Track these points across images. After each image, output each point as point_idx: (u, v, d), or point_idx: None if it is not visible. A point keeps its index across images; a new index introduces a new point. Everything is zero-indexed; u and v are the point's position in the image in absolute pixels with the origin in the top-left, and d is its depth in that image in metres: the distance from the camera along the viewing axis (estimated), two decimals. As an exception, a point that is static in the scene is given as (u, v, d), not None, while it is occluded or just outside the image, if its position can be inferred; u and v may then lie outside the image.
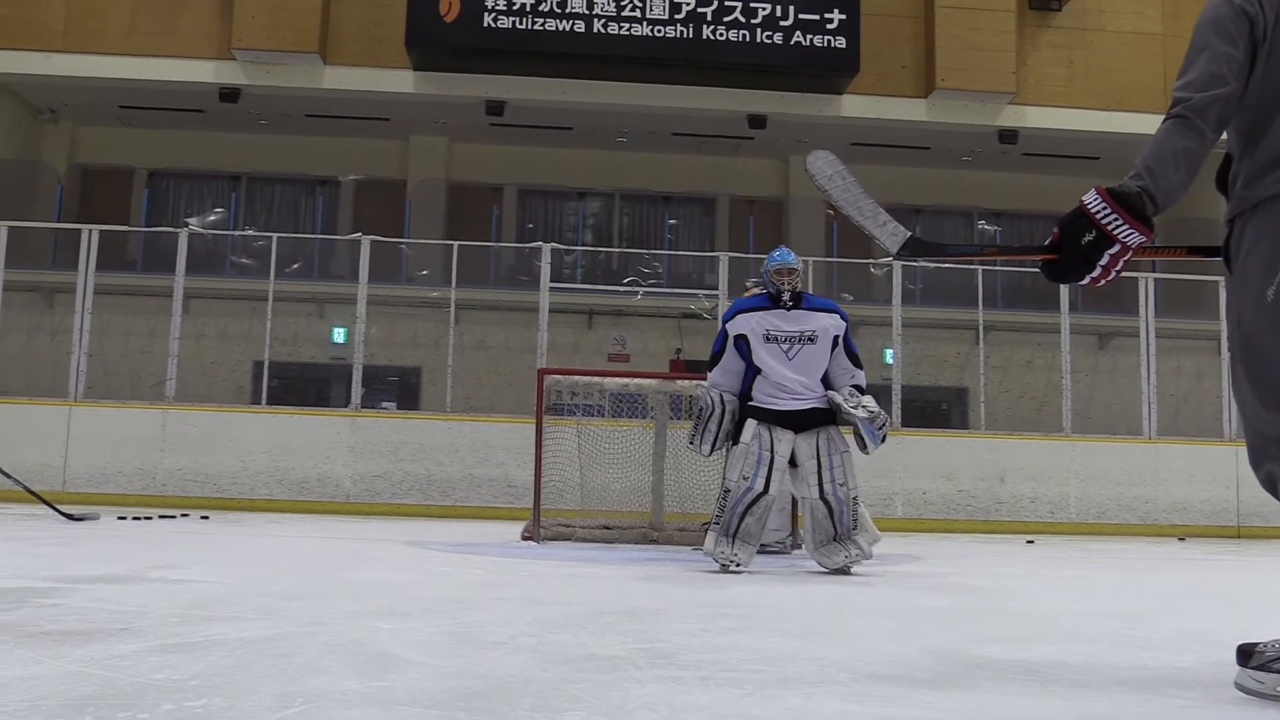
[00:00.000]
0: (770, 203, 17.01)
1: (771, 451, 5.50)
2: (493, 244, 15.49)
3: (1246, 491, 11.69)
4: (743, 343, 5.75)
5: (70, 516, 8.34)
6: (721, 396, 5.71)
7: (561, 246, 14.28)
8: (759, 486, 5.46)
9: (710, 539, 5.51)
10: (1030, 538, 10.34)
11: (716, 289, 12.37)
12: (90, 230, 12.07)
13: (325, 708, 2.03)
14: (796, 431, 5.58)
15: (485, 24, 14.22)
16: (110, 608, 3.39)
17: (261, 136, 16.44)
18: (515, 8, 14.24)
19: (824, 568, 5.59)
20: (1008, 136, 15.43)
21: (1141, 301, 12.59)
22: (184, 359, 11.92)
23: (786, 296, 5.77)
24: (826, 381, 5.76)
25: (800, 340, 5.71)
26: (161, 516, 9.14)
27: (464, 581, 4.76)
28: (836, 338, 5.77)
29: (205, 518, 9.36)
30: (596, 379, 8.45)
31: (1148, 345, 12.46)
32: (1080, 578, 6.39)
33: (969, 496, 11.42)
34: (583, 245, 16.76)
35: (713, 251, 14.80)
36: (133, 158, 16.51)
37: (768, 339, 5.70)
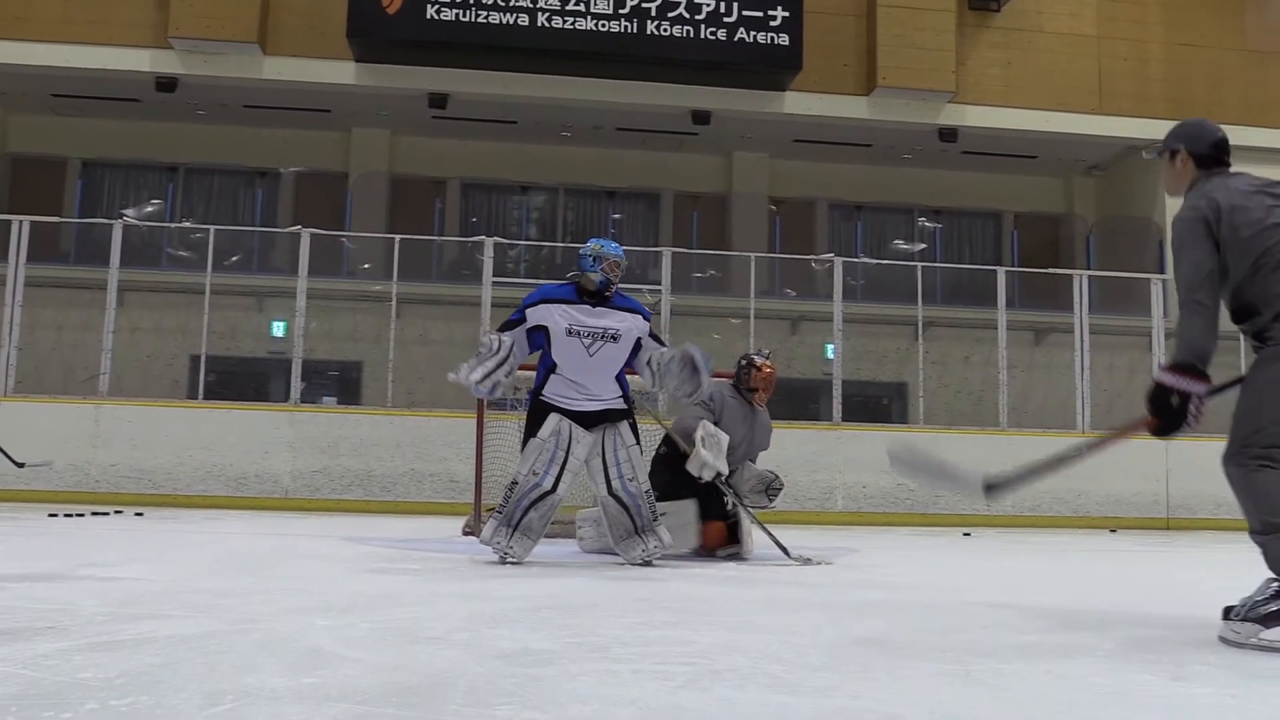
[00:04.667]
0: (714, 198, 17.04)
1: (567, 452, 5.43)
2: (435, 238, 15.32)
3: (1175, 485, 12.00)
4: (541, 335, 5.53)
5: (21, 464, 8.23)
6: (513, 347, 5.45)
7: (505, 241, 14.16)
8: (547, 485, 5.41)
9: (489, 528, 5.45)
10: (967, 530, 10.52)
11: (660, 284, 12.38)
12: (21, 221, 11.81)
13: (255, 704, 2.02)
14: (587, 429, 5.51)
15: (428, 16, 14.09)
16: (37, 606, 3.33)
17: (199, 127, 16.14)
18: (459, 0, 14.14)
19: (627, 561, 5.56)
20: (947, 135, 15.60)
21: (1076, 298, 12.84)
22: (118, 353, 11.71)
23: (610, 291, 5.56)
24: (621, 379, 5.64)
25: (604, 337, 5.52)
26: (94, 514, 8.97)
27: (402, 577, 4.73)
28: (639, 339, 5.61)
29: (139, 514, 9.21)
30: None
31: (1082, 341, 12.72)
32: (1012, 569, 6.51)
33: (908, 490, 11.52)
34: (526, 240, 16.68)
35: (657, 247, 14.80)
36: (66, 147, 16.11)
37: (570, 333, 5.49)
